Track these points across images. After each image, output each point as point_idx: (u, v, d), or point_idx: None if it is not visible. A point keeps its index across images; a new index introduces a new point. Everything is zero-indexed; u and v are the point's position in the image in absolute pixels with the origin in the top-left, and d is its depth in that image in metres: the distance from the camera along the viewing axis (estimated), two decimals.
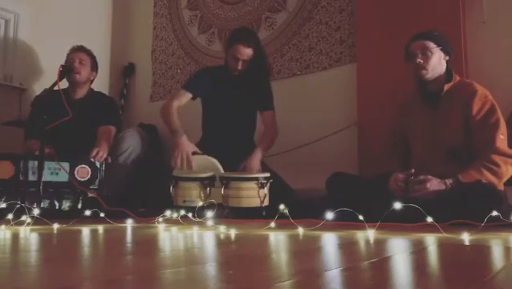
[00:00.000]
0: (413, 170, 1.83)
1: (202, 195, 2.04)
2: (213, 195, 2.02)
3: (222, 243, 1.13)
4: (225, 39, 2.74)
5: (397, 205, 1.37)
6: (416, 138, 2.03)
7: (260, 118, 2.54)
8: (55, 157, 2.08)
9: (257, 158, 2.27)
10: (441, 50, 1.91)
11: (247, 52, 2.34)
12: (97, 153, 2.24)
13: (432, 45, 1.90)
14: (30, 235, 1.26)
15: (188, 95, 2.43)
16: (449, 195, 1.70)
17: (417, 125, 2.02)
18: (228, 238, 1.24)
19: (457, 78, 1.96)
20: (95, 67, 2.68)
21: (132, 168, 2.50)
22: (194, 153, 2.21)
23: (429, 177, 1.76)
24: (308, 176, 2.64)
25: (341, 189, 2.01)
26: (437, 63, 1.91)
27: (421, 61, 1.89)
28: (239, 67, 2.36)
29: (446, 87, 1.91)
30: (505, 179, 1.78)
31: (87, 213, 1.78)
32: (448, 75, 1.94)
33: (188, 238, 1.25)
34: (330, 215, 1.42)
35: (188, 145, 2.21)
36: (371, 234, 1.28)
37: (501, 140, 1.79)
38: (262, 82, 2.48)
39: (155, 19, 3.99)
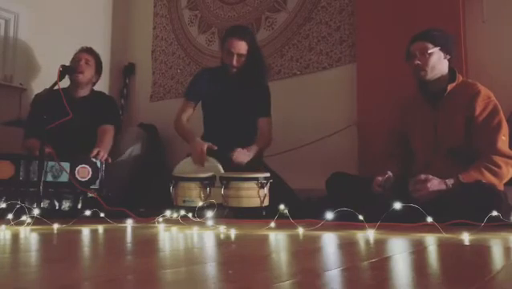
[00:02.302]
0: (391, 174, 1.87)
1: (202, 195, 2.04)
2: (213, 195, 2.02)
3: (222, 243, 1.13)
4: (221, 38, 2.73)
5: (397, 205, 1.37)
6: (418, 138, 2.02)
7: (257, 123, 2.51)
8: (55, 157, 2.08)
9: (246, 152, 2.25)
10: (440, 49, 1.91)
11: (241, 45, 2.33)
12: (98, 153, 2.24)
13: (429, 46, 1.89)
14: (30, 235, 1.26)
15: (191, 104, 2.49)
16: (450, 195, 1.70)
17: (418, 125, 2.01)
18: (228, 238, 1.24)
19: (460, 78, 1.96)
20: (99, 70, 2.68)
21: (132, 169, 2.50)
22: (209, 148, 2.24)
23: (430, 176, 1.76)
24: (308, 176, 2.64)
25: (341, 189, 2.01)
26: (437, 63, 1.90)
27: (419, 62, 1.90)
28: (234, 63, 2.34)
29: (449, 87, 1.91)
30: (505, 180, 1.78)
31: (87, 213, 1.78)
32: (451, 75, 1.94)
33: (188, 238, 1.25)
34: (330, 215, 1.42)
35: (201, 142, 2.27)
36: (371, 234, 1.28)
37: (503, 141, 1.79)
38: (261, 86, 2.47)
39: (155, 19, 3.99)
